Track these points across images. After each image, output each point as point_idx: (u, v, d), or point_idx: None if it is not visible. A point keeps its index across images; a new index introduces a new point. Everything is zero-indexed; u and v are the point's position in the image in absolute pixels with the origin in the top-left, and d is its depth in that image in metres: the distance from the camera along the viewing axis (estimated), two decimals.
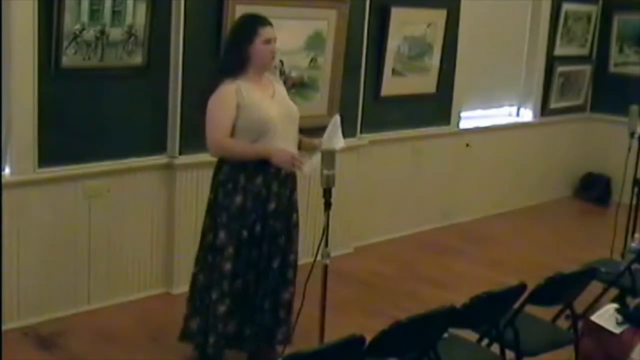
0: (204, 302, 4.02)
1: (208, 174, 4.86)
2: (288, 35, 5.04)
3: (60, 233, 4.61)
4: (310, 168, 3.90)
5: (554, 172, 8.06)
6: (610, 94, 8.07)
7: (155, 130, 4.96)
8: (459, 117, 6.92)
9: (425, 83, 6.53)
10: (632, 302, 4.31)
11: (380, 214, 6.36)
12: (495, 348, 3.72)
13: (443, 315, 3.26)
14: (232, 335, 4.01)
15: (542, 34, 7.59)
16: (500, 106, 7.67)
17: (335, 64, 5.67)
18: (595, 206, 8.02)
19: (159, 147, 4.98)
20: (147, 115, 4.91)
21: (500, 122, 7.58)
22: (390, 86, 6.22)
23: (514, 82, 7.69)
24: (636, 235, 5.12)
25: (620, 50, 8.12)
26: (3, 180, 4.23)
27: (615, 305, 3.94)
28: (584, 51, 8.12)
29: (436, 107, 6.70)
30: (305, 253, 4.17)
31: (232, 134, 3.90)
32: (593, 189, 8.17)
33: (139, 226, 4.95)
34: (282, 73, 4.15)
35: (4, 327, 4.23)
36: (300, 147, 4.05)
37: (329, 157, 3.33)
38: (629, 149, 5.64)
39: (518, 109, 7.82)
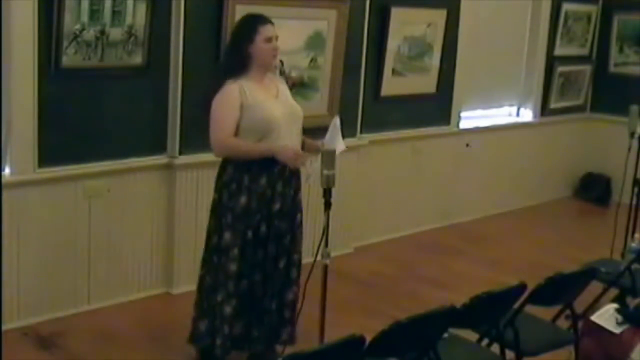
0: (211, 304, 4.00)
1: (208, 174, 4.88)
2: (288, 35, 5.04)
3: (60, 233, 4.61)
4: (313, 172, 3.88)
5: (554, 172, 8.06)
6: (610, 94, 8.07)
7: (155, 130, 4.96)
8: (459, 117, 6.92)
9: (425, 83, 6.53)
10: (632, 302, 4.32)
11: (380, 214, 6.36)
12: (495, 348, 3.72)
13: (443, 315, 3.26)
14: (239, 336, 3.99)
15: (542, 34, 7.59)
16: (500, 106, 7.67)
17: (335, 64, 5.67)
18: (595, 206, 8.02)
19: (159, 147, 4.98)
20: (147, 115, 4.91)
21: (500, 122, 7.58)
22: (390, 86, 6.22)
23: (514, 82, 7.69)
24: (636, 235, 5.11)
25: (620, 50, 8.12)
26: (3, 180, 4.23)
27: (615, 305, 3.94)
28: (584, 51, 8.12)
29: (436, 107, 6.70)
30: (306, 253, 4.16)
31: (236, 134, 3.88)
32: (593, 189, 8.17)
33: (139, 226, 4.95)
34: (282, 73, 4.15)
35: (4, 327, 4.23)
36: (303, 148, 4.04)
37: (329, 157, 3.33)
38: (629, 149, 5.64)
39: (518, 109, 7.82)
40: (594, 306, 4.43)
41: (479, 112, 7.35)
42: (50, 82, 4.42)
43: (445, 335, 3.40)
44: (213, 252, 4.00)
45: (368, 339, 2.94)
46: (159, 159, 4.98)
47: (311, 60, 5.54)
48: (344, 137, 3.90)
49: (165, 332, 4.56)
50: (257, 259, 3.94)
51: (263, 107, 3.87)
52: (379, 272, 5.78)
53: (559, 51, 7.77)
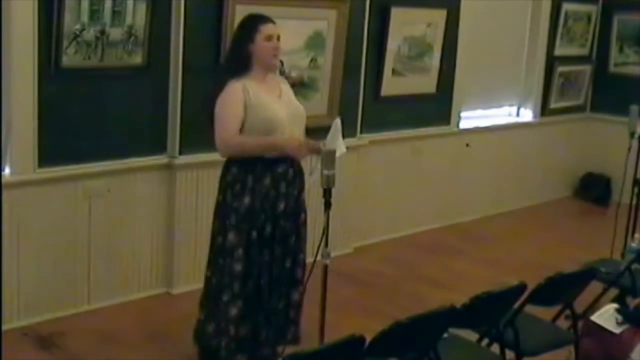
0: (218, 305, 3.98)
1: (208, 174, 4.89)
2: (288, 35, 5.02)
3: (60, 233, 4.61)
4: (316, 167, 3.86)
5: (554, 172, 8.06)
6: (610, 94, 8.07)
7: (155, 131, 4.96)
8: (459, 117, 6.92)
9: (425, 83, 6.53)
10: (632, 302, 4.31)
11: (380, 214, 6.36)
12: (495, 348, 3.72)
13: (443, 315, 3.26)
14: (246, 338, 3.93)
15: (542, 34, 7.59)
16: (500, 106, 7.68)
17: (335, 64, 5.67)
18: (595, 206, 8.02)
19: (159, 147, 4.98)
20: (147, 115, 4.91)
21: (500, 122, 7.58)
22: (390, 86, 6.22)
23: (514, 82, 7.69)
24: (636, 235, 5.11)
25: (620, 50, 8.12)
26: (3, 180, 4.23)
27: (615, 305, 3.93)
28: (584, 51, 8.12)
29: (436, 107, 6.70)
30: (306, 253, 4.16)
31: (240, 133, 3.88)
32: (593, 189, 8.17)
33: (139, 226, 4.95)
34: (282, 73, 4.15)
35: (4, 327, 4.23)
36: None
37: (329, 157, 3.32)
38: (629, 149, 5.64)
39: (518, 109, 7.82)
40: (594, 306, 4.43)
41: (479, 112, 7.35)
42: (50, 82, 4.42)
43: (445, 335, 3.40)
44: (218, 253, 3.97)
45: (368, 339, 2.94)
46: (159, 159, 4.98)
47: (311, 60, 5.54)
48: (344, 137, 3.89)
49: (165, 332, 4.56)
50: (263, 260, 3.91)
51: (267, 107, 3.86)
52: (379, 272, 5.79)
53: (559, 51, 7.77)
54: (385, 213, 6.40)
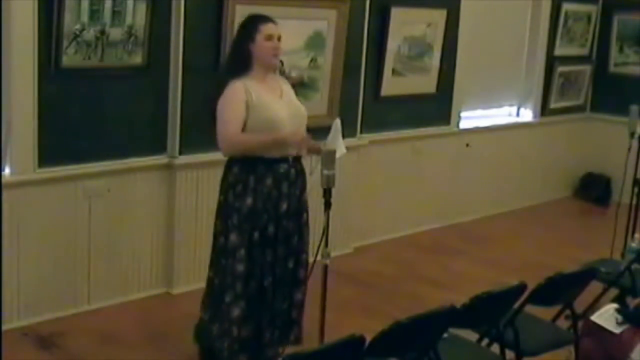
0: (220, 306, 3.96)
1: (208, 174, 4.89)
2: (288, 35, 5.01)
3: (60, 233, 4.61)
4: (316, 167, 3.86)
5: (554, 172, 8.06)
6: (610, 94, 8.07)
7: (155, 130, 4.96)
8: (459, 117, 6.92)
9: (425, 83, 6.53)
10: (632, 302, 4.31)
11: (380, 214, 6.36)
12: (495, 348, 3.72)
13: (443, 315, 3.26)
14: (249, 340, 3.92)
15: (542, 34, 7.59)
16: (500, 106, 7.68)
17: (335, 64, 5.67)
18: (595, 206, 8.02)
19: (159, 147, 4.98)
20: (147, 115, 4.91)
21: (500, 122, 7.58)
22: (390, 86, 6.22)
23: (514, 82, 7.69)
24: (636, 235, 5.11)
25: (620, 50, 8.12)
26: (3, 180, 4.23)
27: (615, 305, 3.93)
28: (584, 51, 8.12)
29: (436, 107, 6.70)
30: (309, 253, 4.16)
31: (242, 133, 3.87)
32: (593, 189, 8.17)
33: (139, 226, 4.95)
34: (282, 73, 4.15)
35: (4, 327, 4.23)
36: None
37: (329, 157, 3.32)
38: (629, 149, 5.65)
39: (518, 109, 7.82)
40: (594, 306, 4.43)
41: (479, 112, 7.35)
42: (50, 82, 4.42)
43: (445, 335, 3.40)
44: (220, 254, 3.96)
45: (368, 339, 2.94)
46: (159, 159, 4.98)
47: (311, 60, 5.54)
48: (344, 137, 3.89)
49: (165, 332, 4.56)
50: (265, 261, 3.90)
51: (268, 107, 3.86)
52: (379, 272, 5.78)
53: (559, 51, 7.77)
54: (385, 213, 6.39)
